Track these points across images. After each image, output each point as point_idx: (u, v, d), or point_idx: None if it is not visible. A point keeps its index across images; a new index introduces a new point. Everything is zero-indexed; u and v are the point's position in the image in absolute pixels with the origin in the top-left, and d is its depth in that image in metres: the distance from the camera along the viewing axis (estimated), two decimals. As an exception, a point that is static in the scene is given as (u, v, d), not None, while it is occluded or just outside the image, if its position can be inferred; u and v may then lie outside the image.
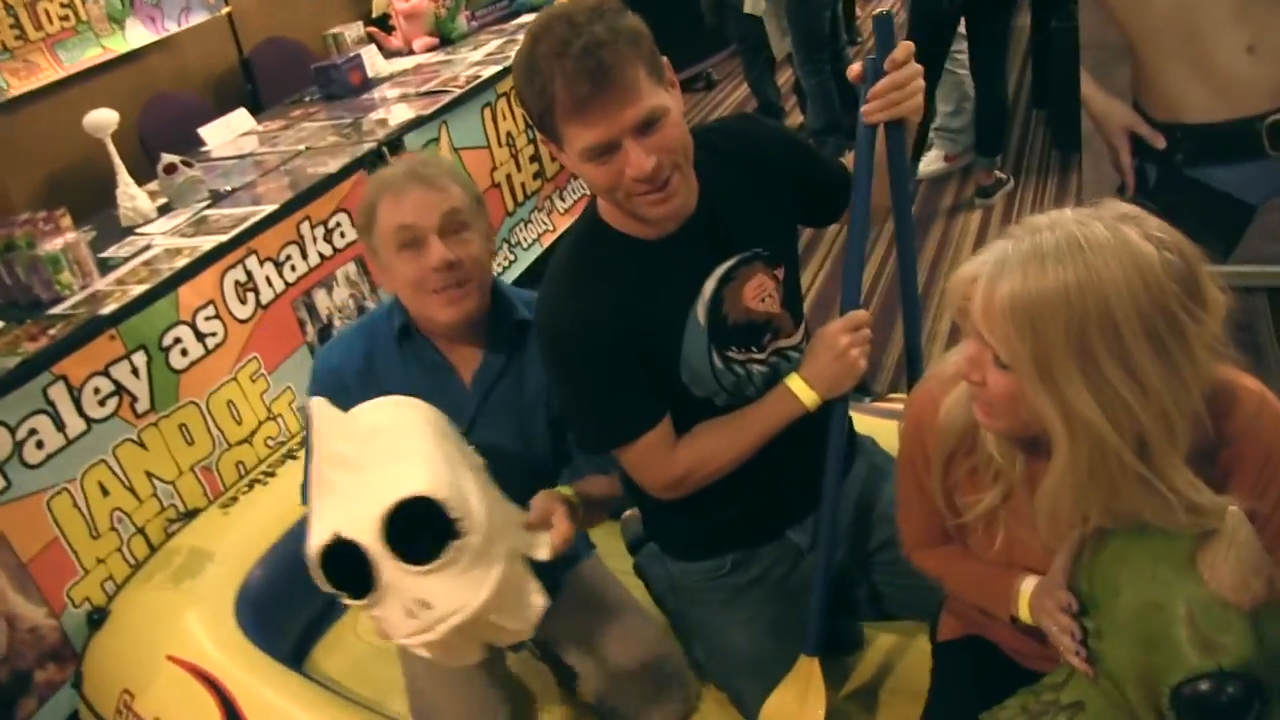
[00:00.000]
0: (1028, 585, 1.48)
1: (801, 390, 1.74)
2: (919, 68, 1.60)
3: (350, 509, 1.59)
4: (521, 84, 1.56)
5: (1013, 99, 6.02)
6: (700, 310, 1.72)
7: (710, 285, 1.72)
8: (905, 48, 1.58)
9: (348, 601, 1.63)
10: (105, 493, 2.66)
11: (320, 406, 1.69)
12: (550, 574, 2.13)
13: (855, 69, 1.62)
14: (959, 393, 1.47)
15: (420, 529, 1.56)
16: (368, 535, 1.55)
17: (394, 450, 1.64)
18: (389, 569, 1.57)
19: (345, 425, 1.67)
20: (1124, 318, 1.21)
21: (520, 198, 4.63)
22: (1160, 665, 1.25)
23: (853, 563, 2.02)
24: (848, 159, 5.10)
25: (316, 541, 1.60)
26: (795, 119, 6.32)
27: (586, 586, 2.19)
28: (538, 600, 1.74)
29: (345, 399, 1.78)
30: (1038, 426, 1.32)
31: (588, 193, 5.12)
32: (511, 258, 4.53)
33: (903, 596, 1.97)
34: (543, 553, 1.74)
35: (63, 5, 4.44)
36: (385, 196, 1.86)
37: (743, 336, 1.76)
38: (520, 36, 4.94)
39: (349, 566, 1.57)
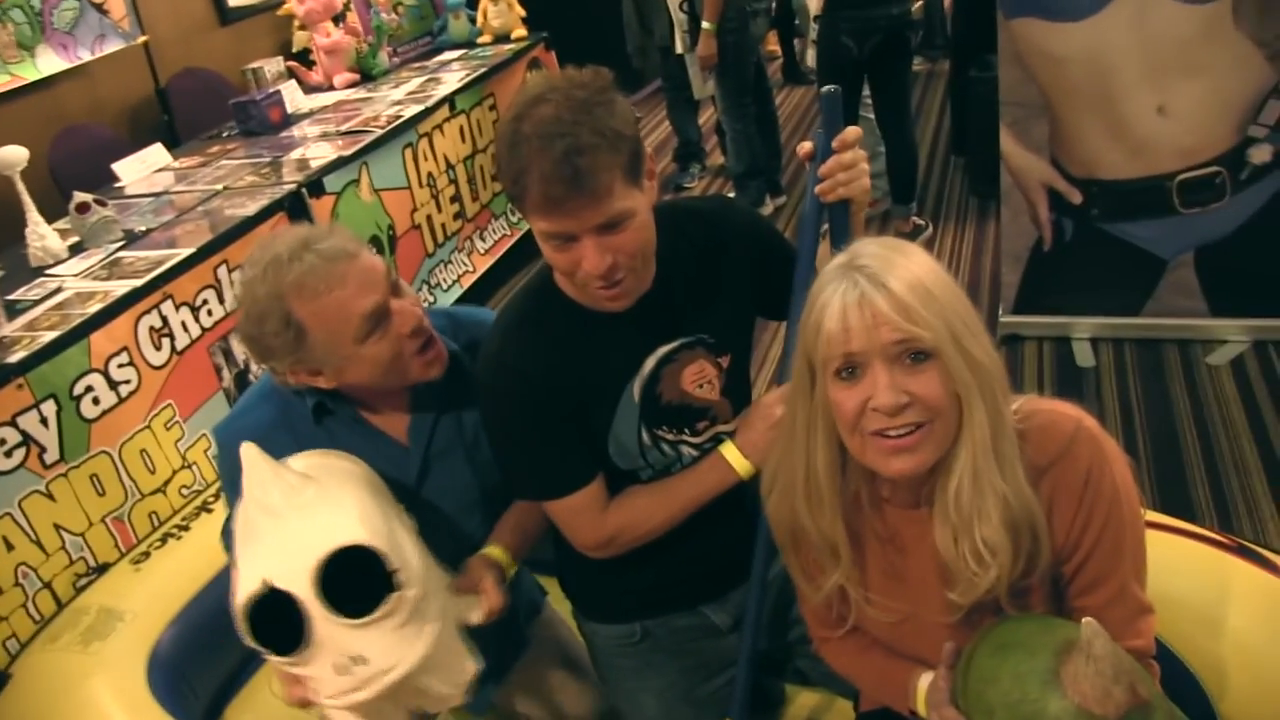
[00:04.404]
0: (924, 681, 1.50)
1: (735, 459, 1.73)
2: (864, 152, 1.61)
3: (280, 558, 1.49)
4: (501, 157, 1.52)
5: (931, 145, 6.14)
6: (636, 387, 1.71)
7: (650, 364, 1.71)
8: (854, 131, 1.60)
9: (272, 659, 1.51)
10: (10, 547, 2.57)
11: (249, 451, 1.57)
12: (519, 628, 2.13)
13: (806, 147, 1.62)
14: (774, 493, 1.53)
15: (351, 581, 1.47)
16: (300, 585, 1.45)
17: (326, 499, 1.55)
18: (322, 622, 1.46)
19: (275, 472, 1.56)
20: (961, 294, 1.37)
21: (440, 239, 4.62)
22: None
23: (775, 649, 2.01)
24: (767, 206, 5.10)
25: (245, 591, 1.48)
26: (715, 159, 6.38)
27: (549, 638, 2.19)
28: (469, 665, 1.68)
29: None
30: (952, 435, 1.35)
31: (509, 233, 5.12)
32: (431, 299, 4.50)
33: (827, 677, 1.96)
34: (475, 617, 1.69)
35: (-31, 33, 4.33)
36: (329, 292, 1.64)
37: (675, 418, 1.75)
38: (442, 75, 4.98)
39: (275, 619, 1.47)
